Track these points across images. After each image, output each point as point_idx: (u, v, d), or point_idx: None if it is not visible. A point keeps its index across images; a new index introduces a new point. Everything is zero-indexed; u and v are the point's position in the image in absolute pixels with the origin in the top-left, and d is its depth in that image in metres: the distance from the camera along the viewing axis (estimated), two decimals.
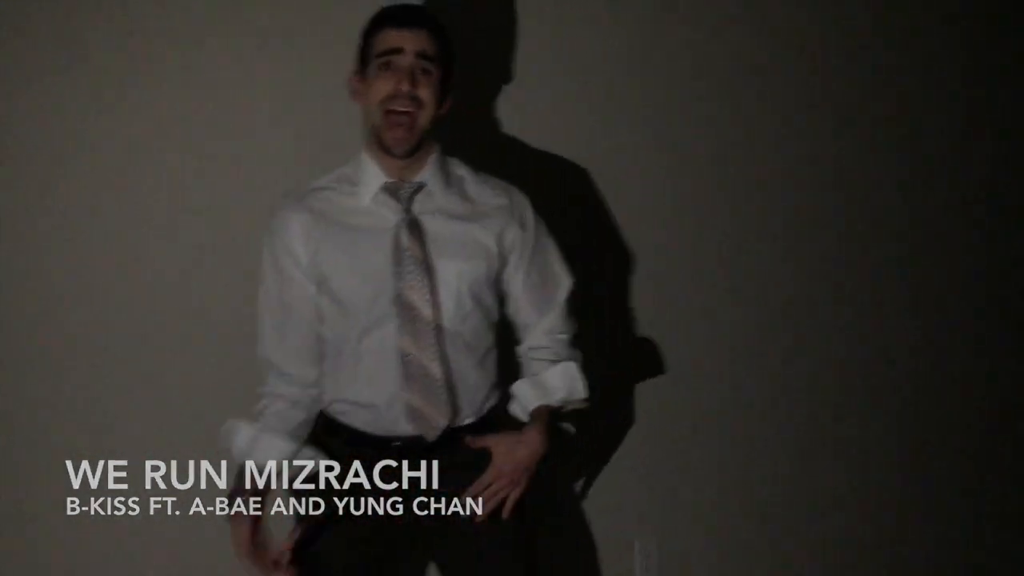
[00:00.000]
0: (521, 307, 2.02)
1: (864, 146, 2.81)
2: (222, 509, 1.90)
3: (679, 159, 2.64)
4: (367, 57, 1.87)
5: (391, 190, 1.88)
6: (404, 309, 1.84)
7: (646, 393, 2.65)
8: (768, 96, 2.71)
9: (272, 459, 1.86)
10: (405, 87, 1.81)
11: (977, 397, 2.94)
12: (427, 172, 1.91)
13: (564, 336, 2.05)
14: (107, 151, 2.25)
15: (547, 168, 2.51)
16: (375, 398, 1.88)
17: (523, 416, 2.01)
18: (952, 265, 2.92)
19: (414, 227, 1.87)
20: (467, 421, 1.94)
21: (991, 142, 2.88)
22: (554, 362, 2.01)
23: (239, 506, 1.84)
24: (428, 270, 1.86)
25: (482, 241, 1.92)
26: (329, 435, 1.93)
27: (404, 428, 1.88)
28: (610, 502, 2.63)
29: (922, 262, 2.90)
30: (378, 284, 1.85)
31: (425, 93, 1.83)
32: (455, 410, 1.91)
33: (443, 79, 1.87)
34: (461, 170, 1.99)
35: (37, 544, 2.28)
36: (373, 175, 1.89)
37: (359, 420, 1.91)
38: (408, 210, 1.88)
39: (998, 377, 2.96)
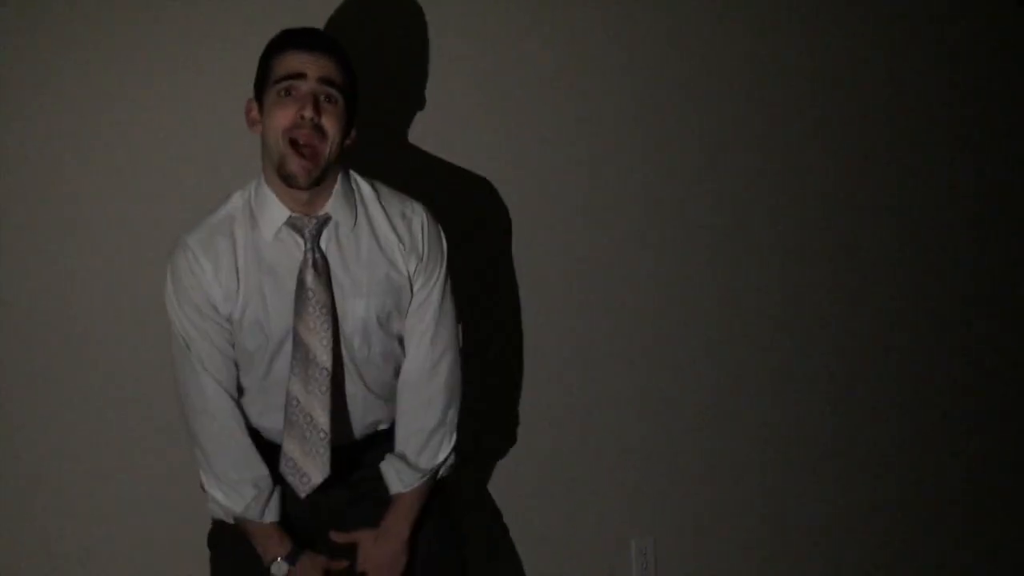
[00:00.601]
0: (409, 323, 1.90)
1: (861, 146, 2.76)
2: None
3: (668, 158, 2.61)
4: (265, 82, 1.75)
5: (295, 225, 1.78)
6: (299, 350, 1.77)
7: (642, 392, 2.63)
8: (759, 96, 2.67)
9: (280, 503, 1.85)
10: (308, 113, 1.69)
11: (977, 396, 2.88)
12: (332, 204, 1.80)
13: (440, 379, 1.91)
14: (107, 152, 2.25)
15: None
16: (275, 433, 1.85)
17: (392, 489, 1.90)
18: (949, 265, 2.87)
19: (319, 266, 1.78)
20: (358, 438, 1.90)
21: (989, 142, 2.81)
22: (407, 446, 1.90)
23: (291, 563, 1.82)
24: (331, 312, 1.78)
25: (389, 274, 1.84)
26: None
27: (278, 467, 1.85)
28: (606, 501, 2.62)
29: (920, 261, 2.84)
30: (283, 324, 1.79)
31: (330, 123, 1.72)
32: (330, 469, 1.82)
33: (348, 109, 1.77)
34: (365, 189, 1.88)
35: (40, 542, 2.31)
36: (276, 208, 1.78)
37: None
38: (314, 248, 1.78)
39: (997, 377, 2.89)
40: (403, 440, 1.90)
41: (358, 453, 1.92)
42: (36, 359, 2.27)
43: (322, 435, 1.79)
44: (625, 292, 2.60)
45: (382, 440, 1.94)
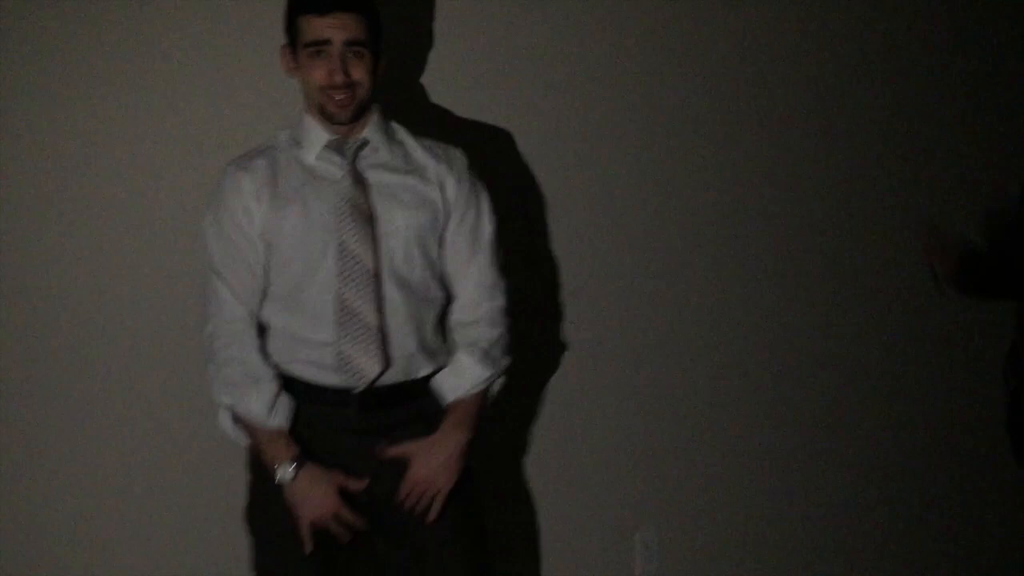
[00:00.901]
0: (451, 254, 2.03)
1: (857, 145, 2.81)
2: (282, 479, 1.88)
3: (667, 153, 2.64)
4: (295, 36, 1.90)
5: (335, 146, 1.93)
6: (345, 258, 1.89)
7: (646, 384, 2.63)
8: (761, 94, 2.71)
9: (288, 410, 1.90)
10: (339, 79, 1.86)
11: (977, 395, 2.90)
12: (369, 130, 1.96)
13: (494, 303, 2.05)
14: (109, 152, 2.26)
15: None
16: (316, 341, 1.91)
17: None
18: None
19: (358, 180, 1.93)
20: (396, 380, 1.94)
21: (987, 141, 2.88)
22: (472, 346, 2.01)
23: (297, 468, 1.86)
24: (371, 220, 1.91)
25: (426, 193, 1.98)
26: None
27: (343, 379, 1.90)
28: (611, 493, 2.61)
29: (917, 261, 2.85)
30: (324, 236, 1.89)
31: (359, 73, 1.88)
32: (386, 361, 1.92)
33: (374, 50, 1.91)
34: (401, 133, 2.04)
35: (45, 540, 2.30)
36: (317, 134, 1.94)
37: (306, 373, 1.92)
38: (353, 164, 1.93)
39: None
40: (460, 348, 2.03)
41: (396, 402, 1.96)
42: (42, 358, 2.27)
43: (372, 331, 1.90)
44: (627, 287, 2.62)
45: (420, 392, 1.99)
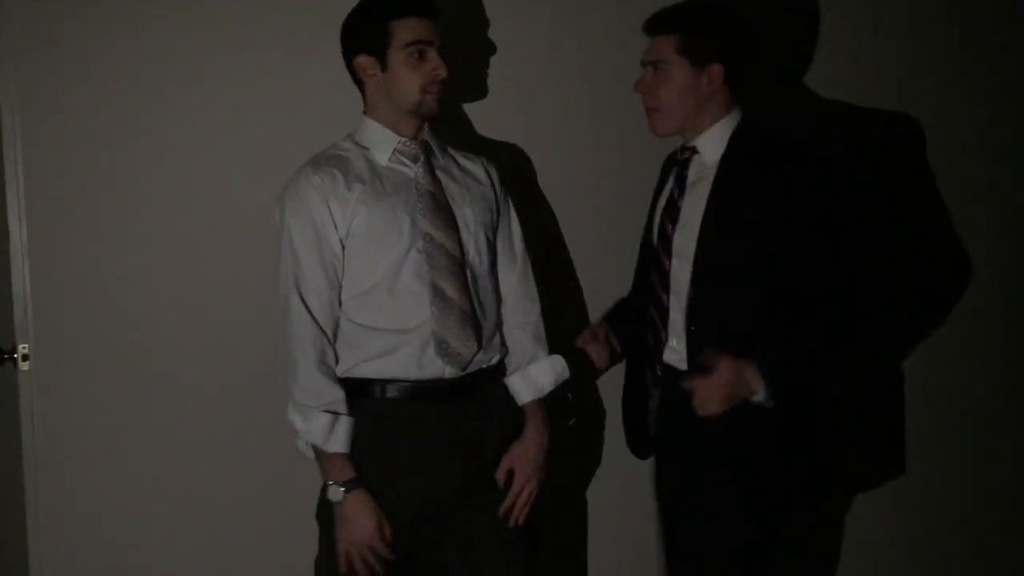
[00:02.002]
0: (499, 254, 2.17)
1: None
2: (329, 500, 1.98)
3: None
4: (385, 42, 1.98)
5: (405, 148, 2.05)
6: (433, 248, 1.99)
7: None
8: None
9: (347, 435, 1.97)
10: (444, 74, 2.00)
11: (978, 394, 2.94)
12: (428, 134, 2.10)
13: (536, 306, 2.21)
14: (124, 152, 2.31)
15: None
16: (410, 332, 1.98)
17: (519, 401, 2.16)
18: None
19: (432, 175, 2.05)
20: (490, 362, 2.09)
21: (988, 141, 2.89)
22: (535, 349, 2.17)
23: (347, 492, 1.94)
24: (450, 211, 2.04)
25: (484, 191, 2.14)
26: (362, 395, 2.00)
27: (434, 368, 2.00)
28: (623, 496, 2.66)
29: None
30: (406, 230, 1.99)
31: (447, 74, 2.03)
32: (479, 343, 2.04)
33: None
34: (441, 141, 2.16)
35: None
36: (387, 138, 2.04)
37: (389, 369, 1.99)
38: (425, 162, 2.05)
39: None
40: (522, 355, 2.17)
41: (479, 386, 2.07)
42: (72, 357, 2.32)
43: (464, 314, 2.01)
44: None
45: (495, 377, 2.13)
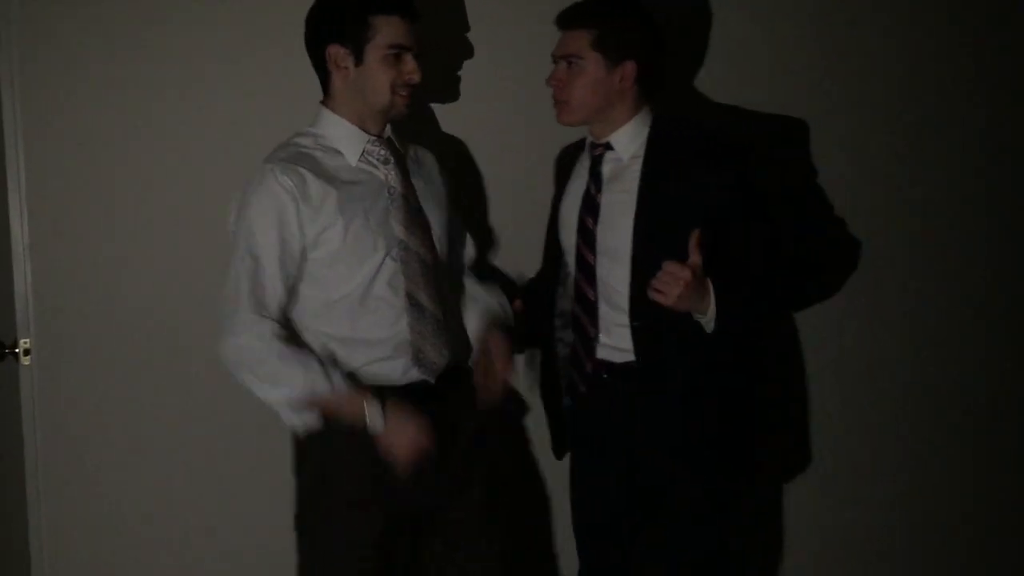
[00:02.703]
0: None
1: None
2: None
3: None
4: (363, 37, 1.91)
5: (373, 149, 1.98)
6: (407, 255, 1.94)
7: None
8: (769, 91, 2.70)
9: (342, 370, 1.93)
10: (417, 78, 1.96)
11: (977, 394, 2.93)
12: (389, 131, 2.04)
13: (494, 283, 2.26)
14: (125, 148, 2.33)
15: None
16: (383, 342, 1.94)
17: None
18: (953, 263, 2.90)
19: (404, 177, 2.00)
20: (449, 366, 2.03)
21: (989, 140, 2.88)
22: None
23: (384, 408, 1.87)
24: (422, 215, 2.00)
25: (441, 186, 2.12)
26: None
27: (407, 376, 1.95)
28: None
29: (919, 261, 2.87)
30: (381, 239, 1.92)
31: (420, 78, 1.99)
32: (451, 350, 2.00)
33: None
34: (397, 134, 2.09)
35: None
36: (355, 136, 1.97)
37: (366, 375, 1.95)
38: (395, 163, 1.99)
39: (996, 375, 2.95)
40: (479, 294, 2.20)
41: (449, 388, 2.04)
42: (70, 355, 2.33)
43: (438, 322, 1.98)
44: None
45: (463, 376, 2.09)
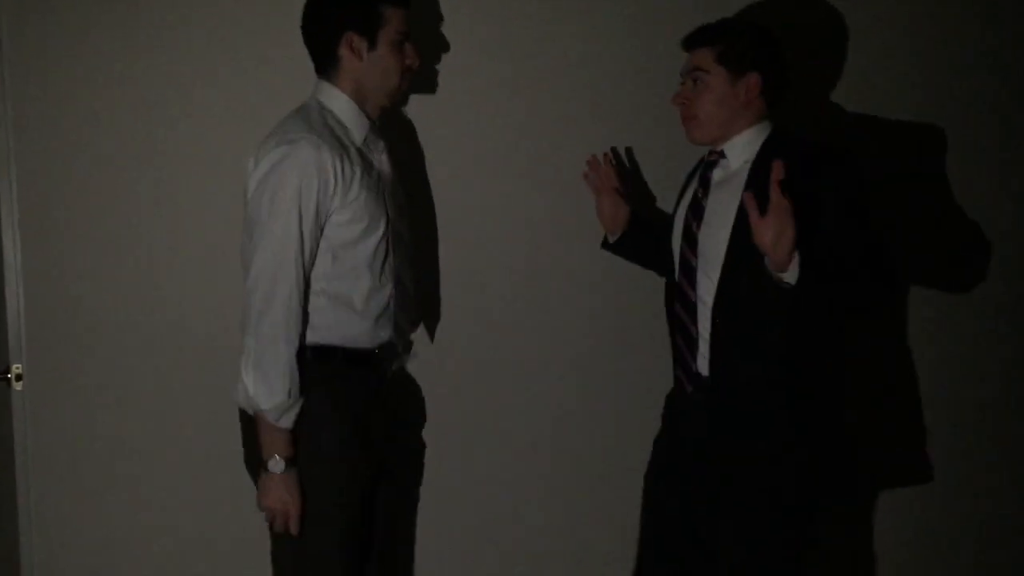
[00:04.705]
0: None
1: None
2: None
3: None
4: (376, 25, 2.05)
5: (371, 134, 2.12)
6: (395, 236, 2.11)
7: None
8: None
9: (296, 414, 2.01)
10: (418, 63, 2.13)
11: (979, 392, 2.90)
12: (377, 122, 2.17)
13: None
14: (118, 174, 2.33)
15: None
16: (369, 311, 2.07)
17: None
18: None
19: (391, 162, 2.16)
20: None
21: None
22: None
23: (288, 467, 1.98)
24: (403, 199, 2.20)
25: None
26: (321, 361, 2.03)
27: (381, 338, 2.11)
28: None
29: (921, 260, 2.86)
30: (382, 218, 2.06)
31: None
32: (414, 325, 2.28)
33: None
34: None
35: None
36: (361, 120, 2.09)
37: (349, 337, 2.06)
38: (384, 148, 2.15)
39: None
40: None
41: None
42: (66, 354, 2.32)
43: (411, 298, 2.23)
44: (635, 287, 2.62)
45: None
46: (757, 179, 2.07)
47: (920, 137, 2.77)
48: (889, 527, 2.86)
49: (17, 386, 2.31)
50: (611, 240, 2.44)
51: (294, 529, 2.00)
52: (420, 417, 2.55)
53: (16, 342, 2.30)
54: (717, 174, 2.17)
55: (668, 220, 2.32)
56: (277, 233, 1.92)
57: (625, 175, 2.53)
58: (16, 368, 2.31)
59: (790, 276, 1.92)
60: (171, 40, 2.32)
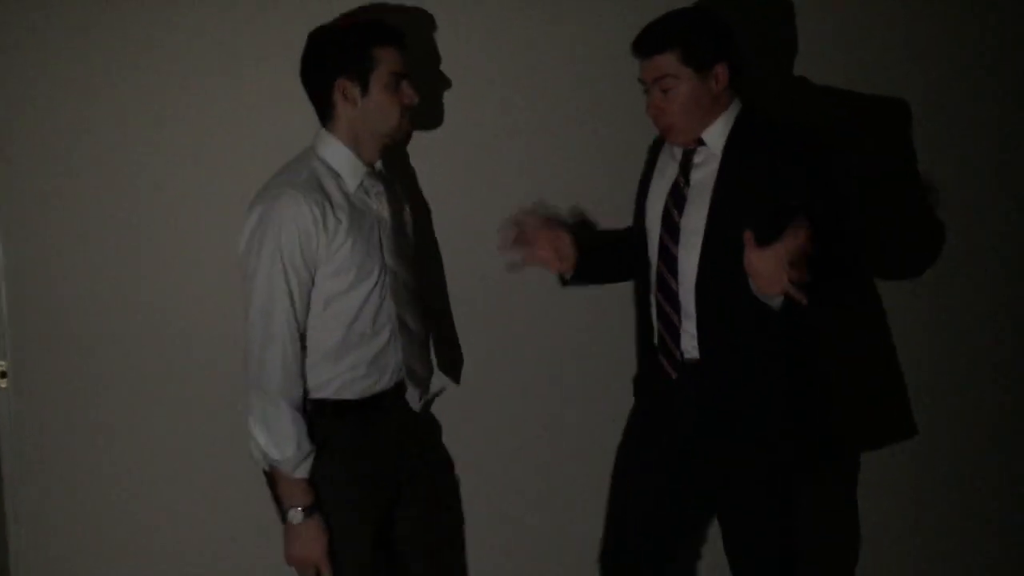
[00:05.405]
0: None
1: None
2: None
3: None
4: (368, 68, 2.02)
5: (368, 180, 2.08)
6: (396, 282, 2.08)
7: None
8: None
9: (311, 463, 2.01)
10: (415, 100, 2.09)
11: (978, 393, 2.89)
12: (379, 164, 2.14)
13: None
14: (100, 168, 2.31)
15: None
16: (375, 363, 2.06)
17: None
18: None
19: (391, 207, 2.11)
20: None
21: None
22: None
23: (307, 515, 1.98)
24: (405, 242, 2.16)
25: (408, 211, 2.25)
26: (335, 417, 2.04)
27: (377, 388, 2.09)
28: None
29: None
30: (376, 265, 2.04)
31: None
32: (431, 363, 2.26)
33: None
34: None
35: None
36: (355, 166, 2.06)
37: (358, 391, 2.06)
38: (383, 192, 2.10)
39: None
40: None
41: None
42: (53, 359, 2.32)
43: (423, 342, 2.21)
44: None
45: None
46: (729, 164, 2.08)
47: (916, 135, 2.74)
48: (876, 486, 2.85)
49: (2, 383, 2.30)
50: (567, 278, 2.30)
51: (326, 574, 2.01)
52: (442, 453, 2.55)
53: (0, 340, 2.29)
54: (698, 159, 2.14)
55: (635, 208, 2.27)
56: (266, 289, 1.94)
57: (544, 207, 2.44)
58: (1, 365, 2.30)
59: (775, 303, 1.95)
60: (158, 41, 2.30)
